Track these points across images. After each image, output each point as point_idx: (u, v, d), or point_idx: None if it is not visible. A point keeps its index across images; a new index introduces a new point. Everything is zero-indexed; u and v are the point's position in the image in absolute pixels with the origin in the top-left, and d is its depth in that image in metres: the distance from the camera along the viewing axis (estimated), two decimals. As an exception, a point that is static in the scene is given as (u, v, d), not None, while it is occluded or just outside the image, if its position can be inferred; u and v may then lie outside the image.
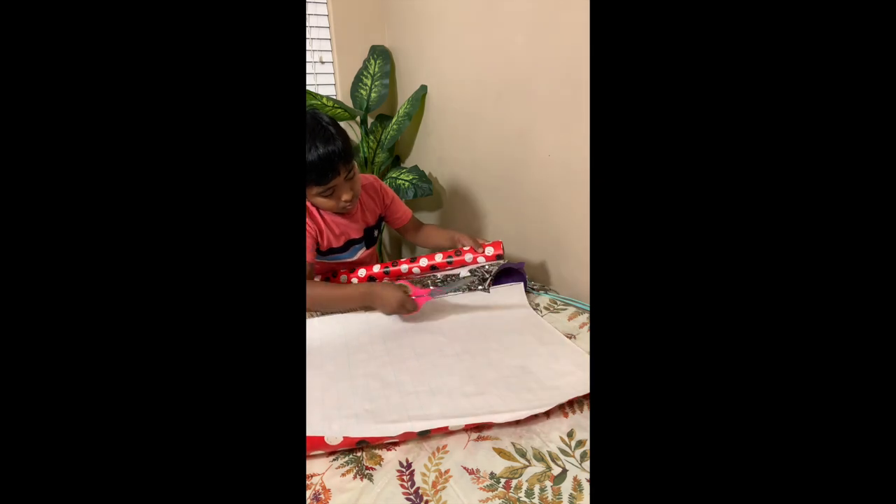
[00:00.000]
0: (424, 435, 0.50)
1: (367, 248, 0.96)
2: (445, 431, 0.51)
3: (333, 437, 0.48)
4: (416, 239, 1.02)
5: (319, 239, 0.87)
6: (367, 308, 0.80)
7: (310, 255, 0.84)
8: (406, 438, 0.50)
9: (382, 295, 0.77)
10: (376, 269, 0.90)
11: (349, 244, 0.91)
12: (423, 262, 0.90)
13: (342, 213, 0.87)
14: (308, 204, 0.84)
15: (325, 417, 0.54)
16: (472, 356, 0.66)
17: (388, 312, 0.78)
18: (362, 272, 0.90)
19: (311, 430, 0.51)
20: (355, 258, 0.94)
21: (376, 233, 0.98)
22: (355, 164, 0.82)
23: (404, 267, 0.90)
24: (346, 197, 0.80)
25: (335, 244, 0.89)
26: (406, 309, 0.76)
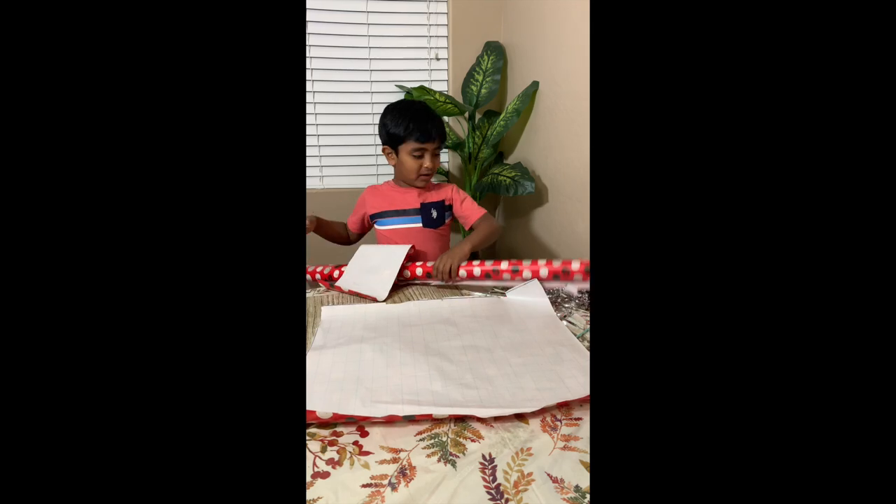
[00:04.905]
0: (409, 419, 0.53)
1: (424, 225, 1.04)
2: (430, 419, 0.53)
3: (324, 413, 0.52)
4: None
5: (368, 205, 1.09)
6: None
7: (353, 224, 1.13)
8: (391, 420, 0.52)
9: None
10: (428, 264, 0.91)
11: (400, 213, 1.05)
12: (476, 270, 0.88)
13: (416, 183, 1.04)
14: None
15: (328, 391, 0.58)
16: (478, 351, 0.68)
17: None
18: (419, 271, 0.91)
19: (312, 403, 0.55)
20: (405, 227, 1.04)
21: (434, 213, 1.05)
22: (440, 155, 1.03)
23: (462, 272, 0.89)
24: (427, 164, 1.00)
25: (385, 207, 1.06)
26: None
